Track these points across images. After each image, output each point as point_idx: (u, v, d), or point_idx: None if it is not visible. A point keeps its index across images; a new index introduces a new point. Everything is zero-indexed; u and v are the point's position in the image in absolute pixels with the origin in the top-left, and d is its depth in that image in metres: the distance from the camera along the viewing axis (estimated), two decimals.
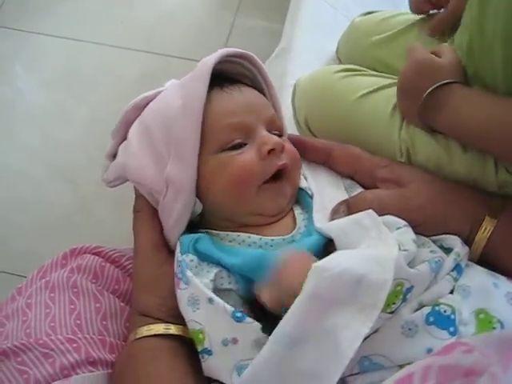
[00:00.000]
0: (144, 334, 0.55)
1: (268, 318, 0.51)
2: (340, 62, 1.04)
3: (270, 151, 0.57)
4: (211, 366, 0.52)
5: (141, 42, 1.77)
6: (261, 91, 0.64)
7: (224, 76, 0.61)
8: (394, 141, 0.70)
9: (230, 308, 0.51)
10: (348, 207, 0.58)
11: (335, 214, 0.58)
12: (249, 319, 0.50)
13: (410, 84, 0.67)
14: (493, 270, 0.56)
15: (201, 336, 0.52)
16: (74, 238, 1.27)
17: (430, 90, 0.63)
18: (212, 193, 0.58)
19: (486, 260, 0.58)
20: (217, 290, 0.54)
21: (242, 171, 0.56)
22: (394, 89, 0.71)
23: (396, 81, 0.71)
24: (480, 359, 0.38)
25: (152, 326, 0.55)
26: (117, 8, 1.86)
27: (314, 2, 1.18)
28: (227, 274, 0.55)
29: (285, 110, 0.68)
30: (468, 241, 0.58)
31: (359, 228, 0.54)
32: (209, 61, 0.58)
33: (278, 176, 0.58)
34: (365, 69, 0.81)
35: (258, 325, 0.50)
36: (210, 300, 0.52)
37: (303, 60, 0.99)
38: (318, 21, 1.15)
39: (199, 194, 0.58)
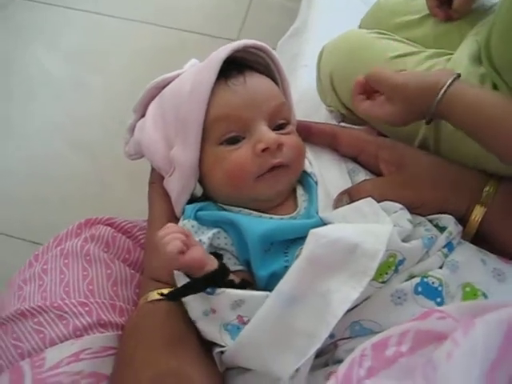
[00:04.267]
0: (155, 298, 0.58)
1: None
2: None
3: (265, 149, 0.58)
4: (201, 330, 0.55)
5: (158, 15, 1.78)
6: (273, 79, 0.65)
7: (239, 62, 0.63)
8: None
9: None
10: (350, 196, 0.61)
11: (338, 202, 0.61)
12: (219, 290, 0.53)
13: (412, 107, 0.62)
14: (487, 249, 0.58)
15: (186, 307, 0.56)
16: (91, 209, 1.31)
17: (436, 101, 0.59)
18: (212, 183, 0.61)
19: (482, 237, 0.60)
20: (213, 248, 0.58)
21: (236, 168, 0.59)
22: (424, 54, 0.73)
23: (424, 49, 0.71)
24: (452, 325, 0.41)
25: (164, 290, 0.58)
26: None
27: None
28: (225, 235, 0.59)
29: (295, 93, 0.70)
30: (465, 217, 0.60)
31: (359, 215, 0.57)
32: (221, 52, 0.60)
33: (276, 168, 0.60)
34: (393, 34, 0.80)
35: (229, 291, 0.53)
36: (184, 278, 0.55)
37: (317, 41, 0.99)
38: (333, 2, 1.16)
39: (202, 179, 0.62)
